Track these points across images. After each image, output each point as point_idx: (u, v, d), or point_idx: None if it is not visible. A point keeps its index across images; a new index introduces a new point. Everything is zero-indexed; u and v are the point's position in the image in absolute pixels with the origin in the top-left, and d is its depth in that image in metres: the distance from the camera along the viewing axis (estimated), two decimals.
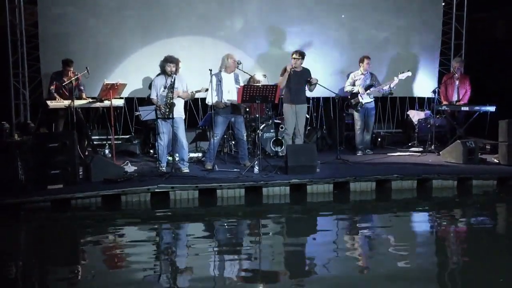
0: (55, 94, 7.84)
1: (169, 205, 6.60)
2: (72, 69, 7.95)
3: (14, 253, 5.18)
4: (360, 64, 8.91)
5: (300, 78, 7.92)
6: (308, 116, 8.92)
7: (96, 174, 6.81)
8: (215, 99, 7.41)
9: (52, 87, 7.89)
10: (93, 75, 8.15)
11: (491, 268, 4.59)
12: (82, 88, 8.14)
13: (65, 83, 7.81)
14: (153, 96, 7.33)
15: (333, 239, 5.56)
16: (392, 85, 8.74)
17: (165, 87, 7.17)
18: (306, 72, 7.99)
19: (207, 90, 7.70)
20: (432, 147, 9.00)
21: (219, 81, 7.45)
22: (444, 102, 9.25)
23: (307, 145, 8.09)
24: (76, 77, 7.86)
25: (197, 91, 8.26)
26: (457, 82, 9.21)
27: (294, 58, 7.85)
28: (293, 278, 4.47)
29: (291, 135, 8.04)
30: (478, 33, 11.52)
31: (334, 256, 4.99)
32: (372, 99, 8.95)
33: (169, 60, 7.22)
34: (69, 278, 4.50)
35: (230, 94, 7.49)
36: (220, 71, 7.54)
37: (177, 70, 7.34)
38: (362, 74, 8.91)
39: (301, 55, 7.89)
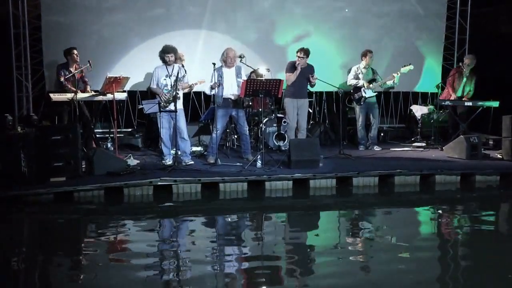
0: (69, 85, 7.76)
1: (171, 199, 6.60)
2: (77, 53, 7.87)
3: (16, 246, 5.18)
4: (363, 58, 8.90)
5: (304, 74, 7.92)
6: (310, 111, 8.90)
7: (99, 168, 6.80)
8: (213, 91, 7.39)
9: (62, 78, 7.83)
10: (96, 68, 8.09)
11: (497, 264, 4.59)
12: (86, 80, 8.11)
13: (67, 76, 7.73)
14: (153, 85, 7.35)
15: (335, 235, 5.57)
16: (394, 80, 8.73)
17: (166, 76, 7.20)
18: (310, 69, 7.99)
19: (202, 82, 7.69)
20: (435, 142, 8.96)
21: (220, 76, 7.42)
22: (452, 95, 9.14)
23: (310, 140, 8.07)
24: (80, 69, 7.83)
25: (194, 84, 8.23)
26: (464, 79, 9.11)
27: (299, 57, 7.86)
28: (294, 275, 4.46)
29: (293, 129, 8.05)
30: (482, 28, 11.44)
31: (336, 252, 4.98)
32: (375, 94, 8.92)
33: (166, 50, 7.24)
34: (72, 271, 4.52)
35: (231, 88, 7.47)
36: (221, 66, 7.51)
37: (176, 59, 7.33)
38: (364, 68, 8.90)
39: (306, 53, 7.89)
